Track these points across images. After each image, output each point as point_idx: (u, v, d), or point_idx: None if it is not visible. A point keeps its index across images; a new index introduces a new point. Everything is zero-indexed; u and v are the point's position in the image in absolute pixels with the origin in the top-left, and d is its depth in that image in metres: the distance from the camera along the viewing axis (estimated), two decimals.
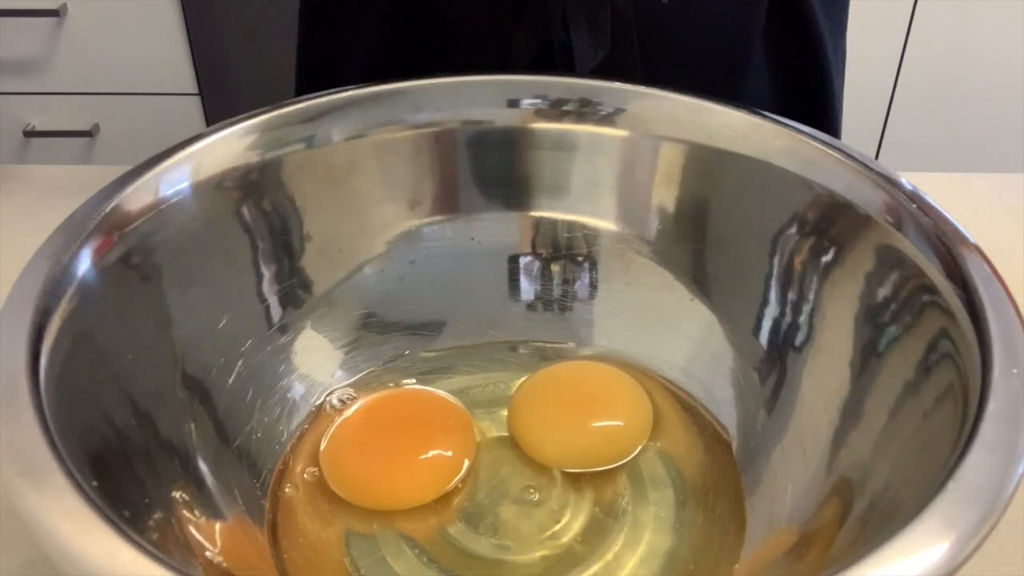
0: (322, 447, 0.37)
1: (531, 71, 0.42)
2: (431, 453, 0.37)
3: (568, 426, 0.38)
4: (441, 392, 0.40)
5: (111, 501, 0.24)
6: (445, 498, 0.36)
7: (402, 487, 0.36)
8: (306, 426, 0.39)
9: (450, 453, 0.37)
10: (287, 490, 0.36)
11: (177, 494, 0.31)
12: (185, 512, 0.31)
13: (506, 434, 0.38)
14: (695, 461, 0.37)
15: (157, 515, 0.29)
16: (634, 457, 0.37)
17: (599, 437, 0.38)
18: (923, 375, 0.30)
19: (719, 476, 0.37)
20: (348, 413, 0.39)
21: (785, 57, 0.54)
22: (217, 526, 0.32)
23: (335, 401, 0.40)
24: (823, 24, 0.54)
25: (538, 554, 0.34)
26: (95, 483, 0.24)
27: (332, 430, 0.38)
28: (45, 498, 0.23)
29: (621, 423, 0.38)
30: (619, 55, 0.47)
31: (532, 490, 0.36)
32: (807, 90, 0.56)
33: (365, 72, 0.54)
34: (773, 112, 0.39)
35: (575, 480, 0.36)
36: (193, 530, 0.30)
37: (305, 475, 0.37)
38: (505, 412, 0.39)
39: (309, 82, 0.57)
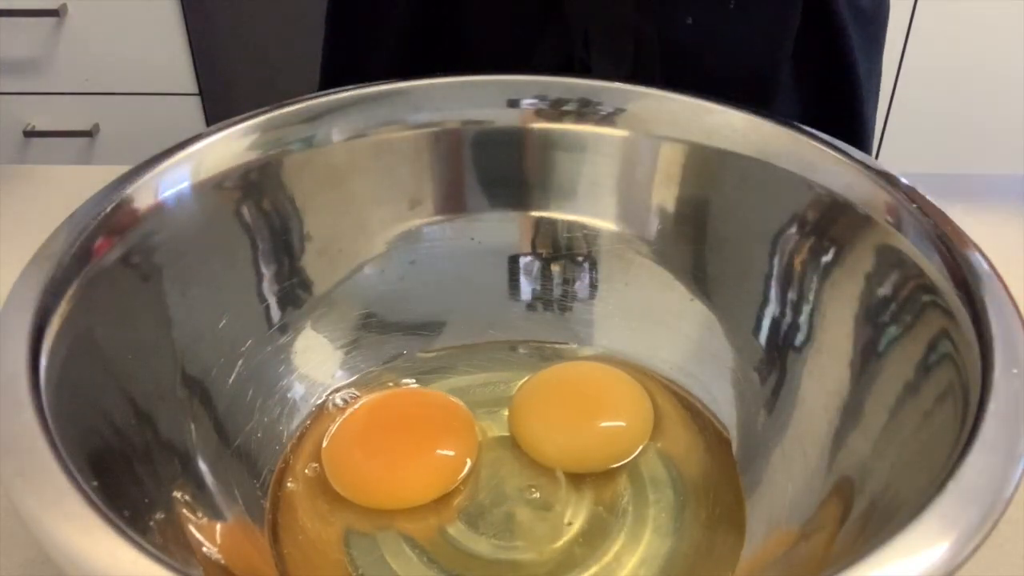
0: (324, 445, 0.37)
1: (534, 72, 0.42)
2: (433, 453, 0.37)
3: (569, 427, 0.38)
4: (443, 392, 0.40)
5: (111, 501, 0.24)
6: (445, 498, 0.36)
7: (403, 486, 0.36)
8: (308, 423, 0.39)
9: (452, 453, 0.37)
10: (288, 484, 0.36)
11: (177, 494, 0.31)
12: (185, 512, 0.31)
13: (507, 434, 0.38)
14: (695, 461, 0.37)
15: (157, 515, 0.29)
16: (634, 457, 0.37)
17: (600, 438, 0.38)
18: (923, 375, 0.30)
19: (719, 476, 0.36)
20: (350, 412, 0.39)
21: (815, 82, 0.53)
22: (217, 526, 0.32)
23: (338, 400, 0.40)
24: (857, 46, 0.53)
25: (538, 554, 0.34)
26: (95, 483, 0.24)
27: (334, 429, 0.38)
28: (45, 498, 0.23)
29: (622, 424, 0.38)
30: (641, 77, 0.47)
31: (533, 490, 0.36)
32: (837, 116, 0.54)
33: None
34: None
35: (576, 480, 0.36)
36: (193, 530, 0.30)
37: (307, 471, 0.37)
38: (505, 412, 0.39)
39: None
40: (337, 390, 0.40)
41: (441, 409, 0.39)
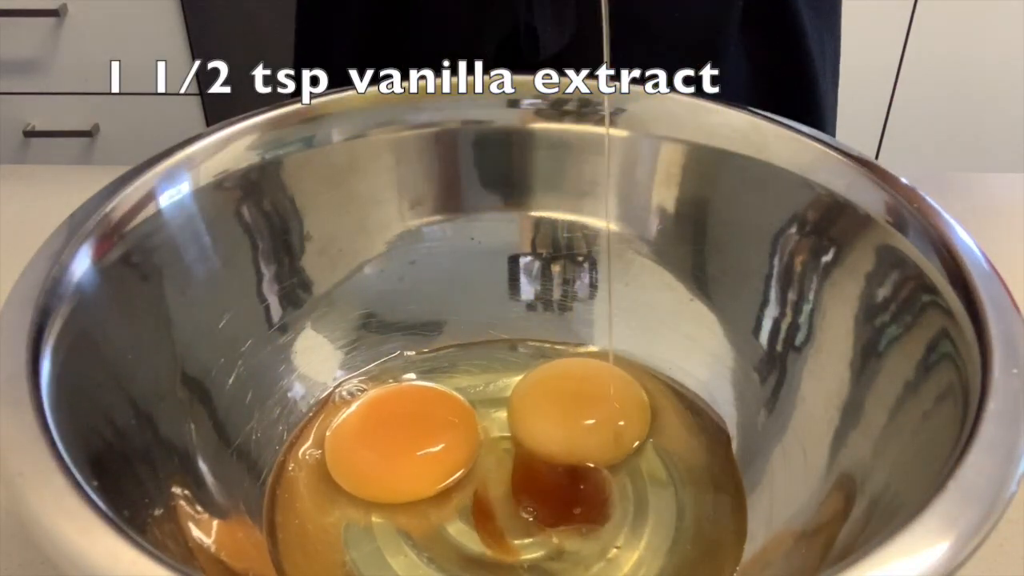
0: (327, 435, 0.37)
1: (528, 70, 0.42)
2: (433, 448, 0.37)
3: (567, 425, 0.38)
4: (446, 388, 0.40)
5: (111, 501, 0.24)
6: (445, 496, 0.36)
7: (402, 480, 0.36)
8: (311, 414, 0.39)
9: (452, 449, 0.37)
10: (290, 468, 0.36)
11: (177, 493, 0.31)
12: (185, 512, 0.31)
13: (507, 434, 0.38)
14: (695, 460, 0.37)
15: (157, 515, 0.29)
16: (634, 456, 0.37)
17: (598, 435, 0.38)
18: (923, 375, 0.30)
19: (720, 475, 0.36)
20: (354, 406, 0.39)
21: (765, 51, 0.53)
22: (217, 525, 0.32)
23: (344, 393, 0.40)
24: (807, 19, 0.53)
25: (537, 554, 0.34)
26: (95, 483, 0.24)
27: (337, 421, 0.38)
28: (45, 498, 0.23)
29: (619, 421, 0.38)
30: (586, 40, 0.47)
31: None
32: (789, 87, 0.54)
33: (354, 51, 0.55)
34: (751, 105, 0.38)
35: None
36: (193, 529, 0.30)
37: (306, 456, 0.37)
38: (506, 412, 0.39)
39: (306, 59, 0.59)
40: (348, 382, 0.40)
41: (443, 405, 0.39)
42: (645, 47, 0.46)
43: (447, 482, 0.36)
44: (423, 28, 0.52)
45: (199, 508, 0.31)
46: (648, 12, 0.50)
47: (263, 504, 0.35)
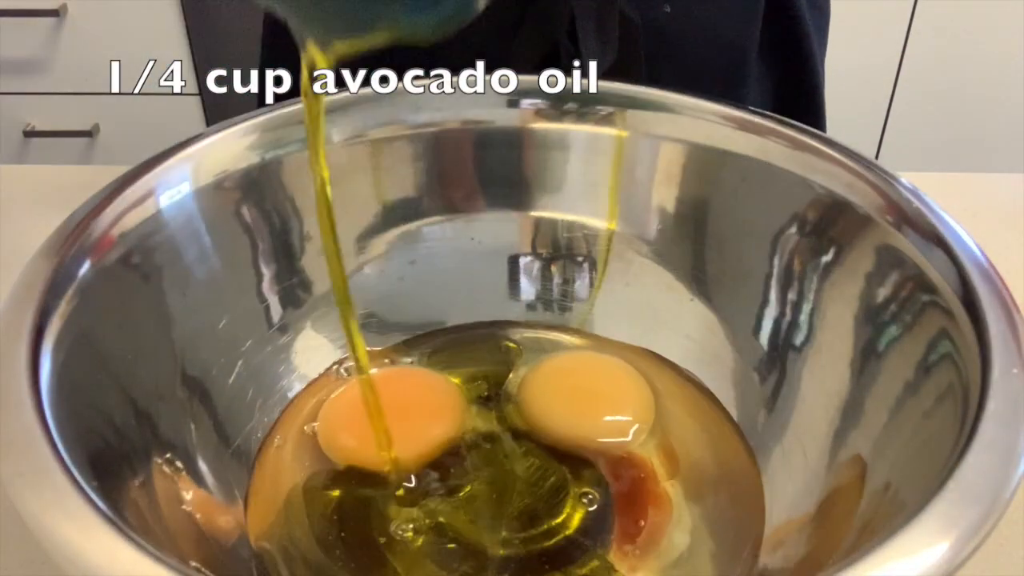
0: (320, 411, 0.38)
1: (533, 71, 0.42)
2: (416, 420, 0.37)
3: (576, 412, 0.38)
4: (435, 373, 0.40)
5: (111, 501, 0.24)
6: (437, 486, 0.36)
7: (387, 446, 0.36)
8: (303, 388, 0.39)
9: (436, 419, 0.37)
10: (275, 445, 0.37)
11: (178, 494, 0.31)
12: (185, 512, 0.31)
13: (500, 429, 0.38)
14: (698, 456, 0.37)
15: (157, 515, 0.29)
16: (640, 447, 0.37)
17: (604, 425, 0.38)
18: (923, 375, 0.30)
19: (727, 468, 0.36)
20: (343, 387, 0.39)
21: (780, 71, 0.55)
22: (216, 525, 0.32)
23: (343, 371, 0.40)
24: (814, 39, 0.55)
25: (537, 546, 0.34)
26: (95, 483, 0.24)
27: (328, 400, 0.38)
28: (45, 498, 0.23)
29: (627, 415, 0.38)
30: (625, 62, 0.47)
31: (538, 480, 0.36)
32: (800, 104, 0.56)
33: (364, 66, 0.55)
34: None
35: (576, 470, 0.36)
36: (193, 529, 0.30)
37: (305, 429, 0.37)
38: (504, 408, 0.39)
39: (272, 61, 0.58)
40: (341, 361, 0.40)
41: (429, 387, 0.39)
42: (676, 71, 0.46)
43: (432, 449, 0.36)
44: (445, 55, 0.52)
45: (200, 509, 0.31)
46: (678, 36, 0.51)
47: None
